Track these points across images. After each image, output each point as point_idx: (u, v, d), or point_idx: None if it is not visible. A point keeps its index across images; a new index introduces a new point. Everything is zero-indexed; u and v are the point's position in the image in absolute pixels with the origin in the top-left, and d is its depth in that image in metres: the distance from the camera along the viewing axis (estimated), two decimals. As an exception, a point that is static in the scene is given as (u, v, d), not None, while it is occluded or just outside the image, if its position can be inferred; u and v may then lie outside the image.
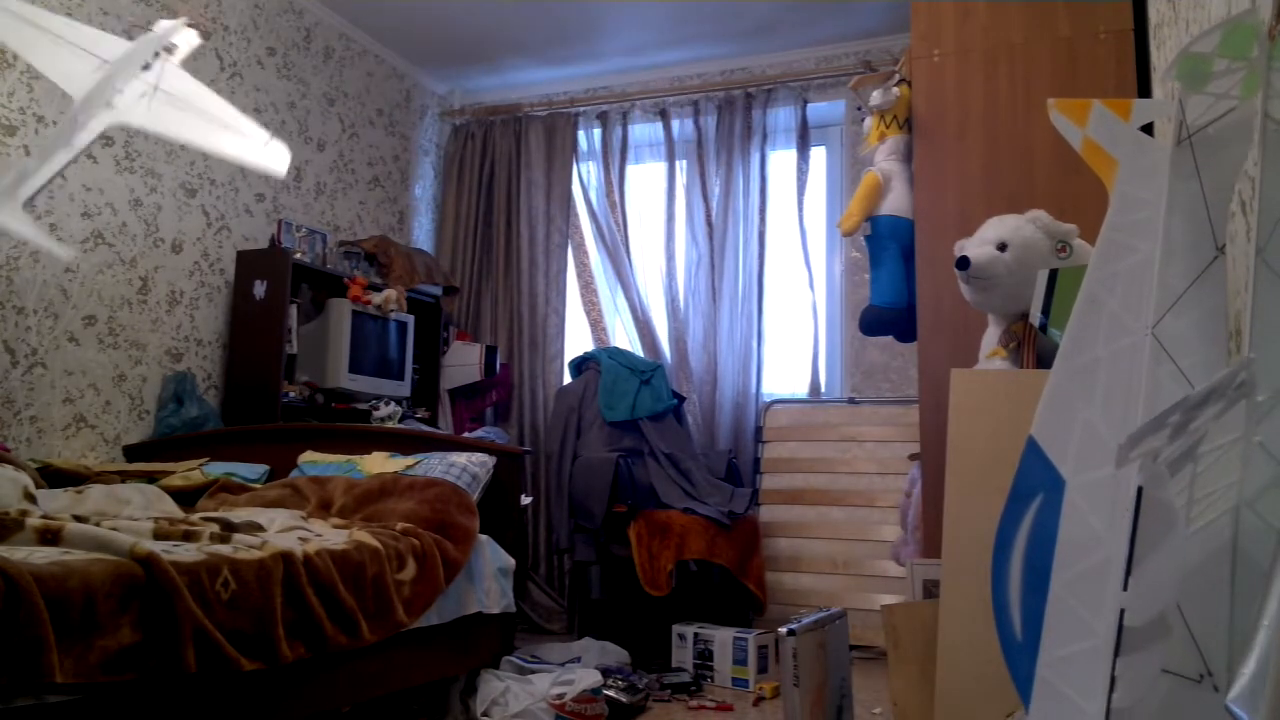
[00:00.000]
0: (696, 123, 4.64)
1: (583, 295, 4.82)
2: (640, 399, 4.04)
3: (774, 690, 3.08)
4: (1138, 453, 0.87)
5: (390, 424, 3.87)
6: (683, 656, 3.36)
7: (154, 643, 1.66)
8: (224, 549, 1.93)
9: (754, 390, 4.39)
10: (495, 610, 2.74)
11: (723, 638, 3.29)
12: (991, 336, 2.18)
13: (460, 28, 4.44)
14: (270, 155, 2.09)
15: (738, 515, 3.75)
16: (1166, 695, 0.94)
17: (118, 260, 3.32)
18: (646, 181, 4.82)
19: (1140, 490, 0.87)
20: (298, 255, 3.77)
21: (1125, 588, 0.88)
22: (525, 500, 3.62)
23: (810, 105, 4.50)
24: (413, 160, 4.96)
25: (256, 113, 3.93)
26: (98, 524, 1.91)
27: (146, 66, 2.00)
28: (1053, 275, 1.81)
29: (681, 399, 4.31)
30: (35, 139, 3.03)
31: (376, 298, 3.96)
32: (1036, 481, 1.16)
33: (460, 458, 2.95)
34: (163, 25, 2.07)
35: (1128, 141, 1.21)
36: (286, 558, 2.00)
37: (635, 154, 4.80)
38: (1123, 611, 0.88)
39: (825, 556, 4.01)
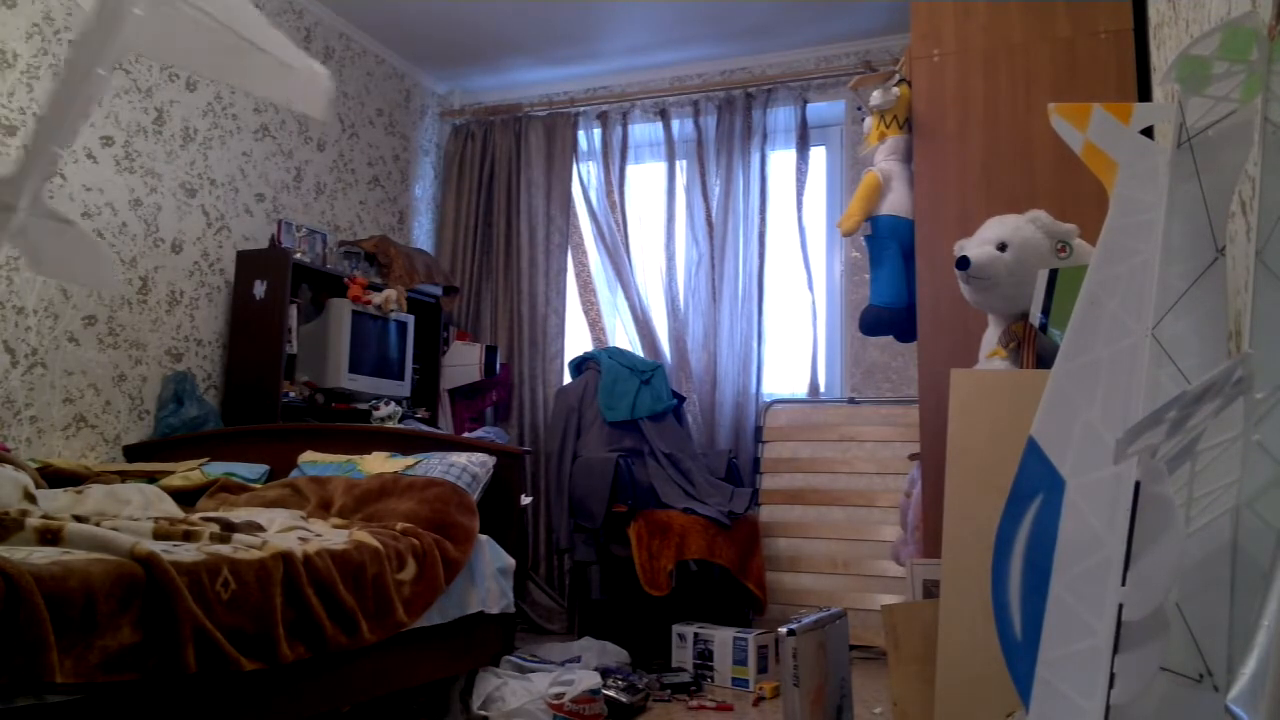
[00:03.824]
0: (696, 123, 4.64)
1: (582, 295, 4.82)
2: (640, 399, 4.04)
3: (774, 690, 3.08)
4: (1135, 448, 0.87)
5: (390, 424, 3.87)
6: (683, 656, 3.36)
7: (154, 643, 1.67)
8: (224, 549, 1.94)
9: (754, 390, 4.39)
10: (495, 610, 2.75)
11: (723, 638, 3.29)
12: (991, 336, 2.18)
13: (460, 28, 4.44)
14: (310, 88, 1.68)
15: (738, 515, 3.75)
16: (1166, 695, 0.94)
17: (118, 260, 3.31)
18: (646, 181, 4.82)
19: (1138, 485, 0.87)
20: (298, 255, 3.77)
21: (1124, 583, 0.88)
22: (525, 500, 3.62)
23: (810, 105, 4.50)
24: (413, 160, 4.96)
25: (256, 113, 3.93)
26: (98, 524, 1.91)
27: None
28: (1053, 275, 1.81)
29: (681, 399, 4.31)
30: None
31: (376, 298, 3.96)
32: (1036, 481, 1.17)
33: (460, 458, 2.95)
34: None
35: (1128, 145, 1.21)
36: (286, 558, 2.00)
37: (635, 154, 4.79)
38: (1121, 606, 0.88)
39: (825, 556, 4.01)
